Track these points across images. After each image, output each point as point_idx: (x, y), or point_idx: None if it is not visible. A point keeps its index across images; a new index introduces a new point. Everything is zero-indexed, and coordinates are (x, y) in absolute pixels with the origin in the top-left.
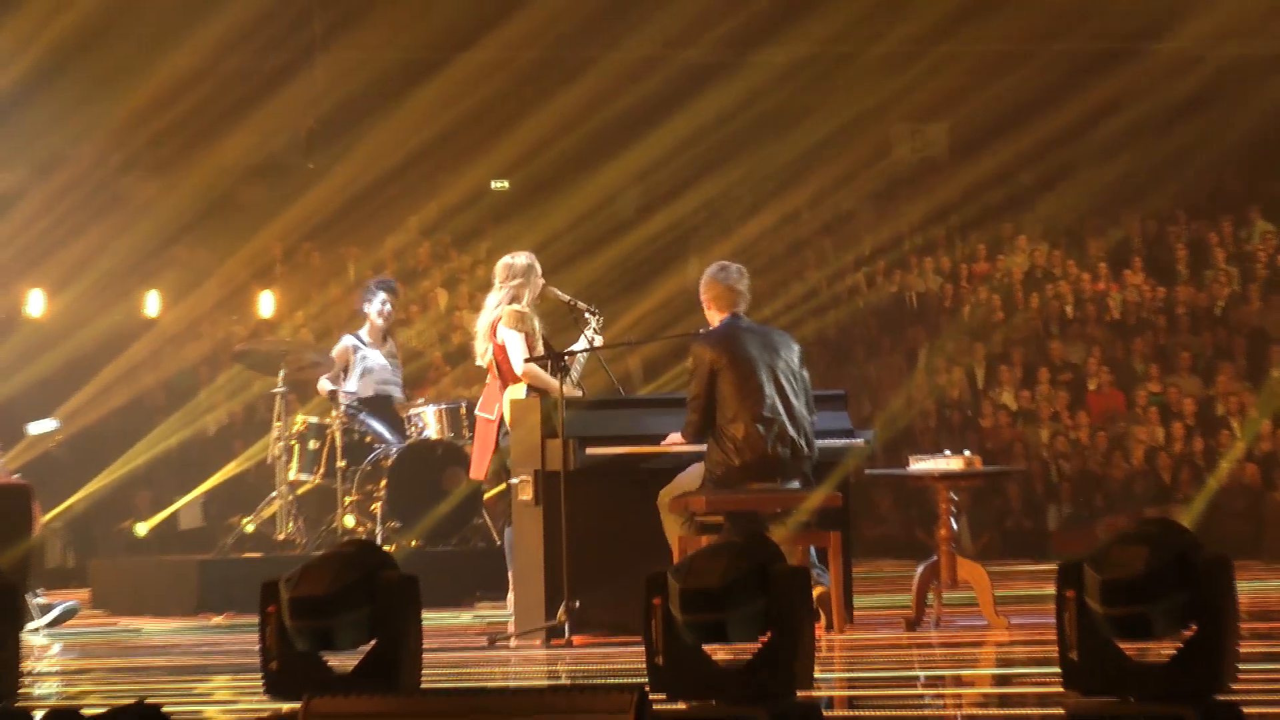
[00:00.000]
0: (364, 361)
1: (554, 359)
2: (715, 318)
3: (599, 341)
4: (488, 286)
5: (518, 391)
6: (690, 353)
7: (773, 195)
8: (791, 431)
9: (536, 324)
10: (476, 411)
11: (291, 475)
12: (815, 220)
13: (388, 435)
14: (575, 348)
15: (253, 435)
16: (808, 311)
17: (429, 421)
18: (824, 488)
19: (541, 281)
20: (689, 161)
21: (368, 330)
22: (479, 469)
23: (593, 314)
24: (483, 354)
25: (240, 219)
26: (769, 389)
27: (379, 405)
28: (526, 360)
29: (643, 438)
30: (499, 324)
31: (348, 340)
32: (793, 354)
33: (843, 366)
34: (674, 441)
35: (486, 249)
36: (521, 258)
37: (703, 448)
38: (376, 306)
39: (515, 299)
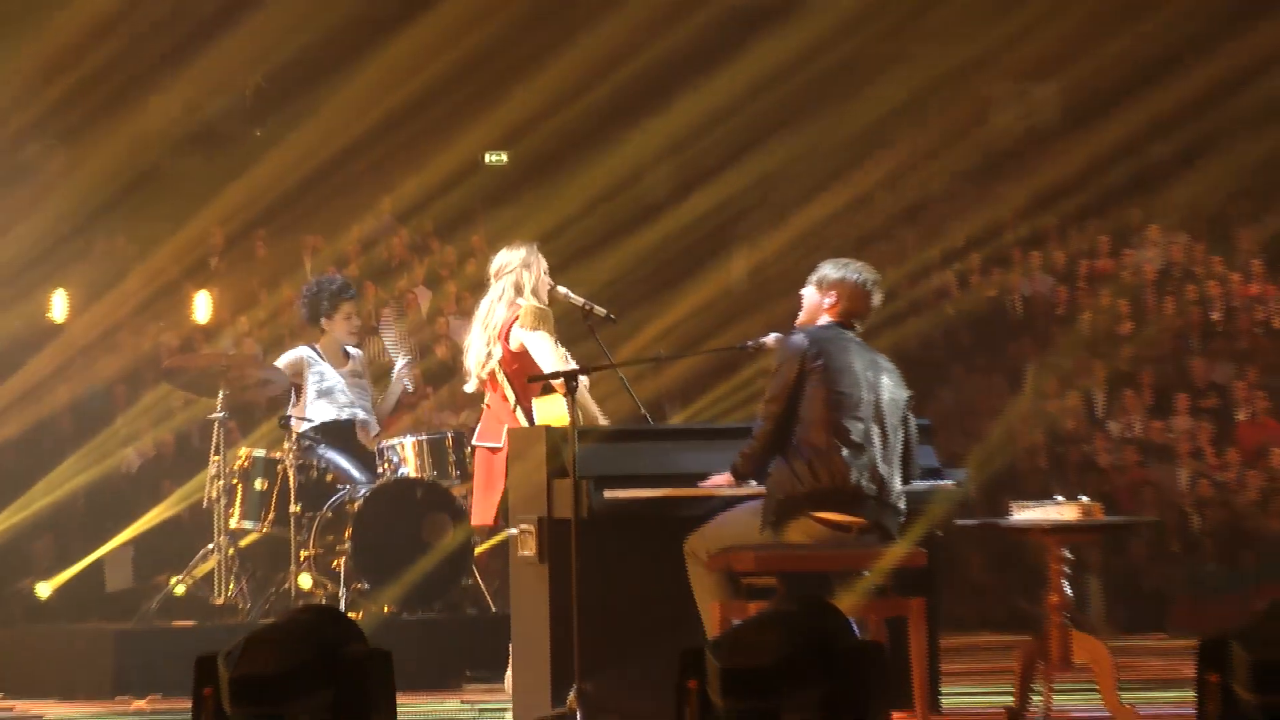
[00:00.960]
0: (319, 381)
1: (565, 377)
2: (825, 316)
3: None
4: (480, 287)
5: (549, 406)
6: (776, 347)
7: (840, 172)
8: (882, 468)
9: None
10: (476, 441)
11: (233, 523)
12: (893, 204)
13: (354, 473)
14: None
15: (184, 472)
16: (883, 320)
17: (406, 456)
18: (905, 541)
19: (547, 280)
20: (736, 129)
21: (323, 343)
22: (484, 513)
23: (611, 319)
24: (481, 365)
25: (170, 200)
26: (866, 410)
27: (342, 435)
28: (530, 379)
29: (676, 478)
30: (513, 325)
31: (302, 352)
32: (902, 390)
33: (928, 390)
34: (718, 482)
35: (478, 238)
36: (518, 246)
37: (755, 488)
38: (337, 316)
39: (516, 295)
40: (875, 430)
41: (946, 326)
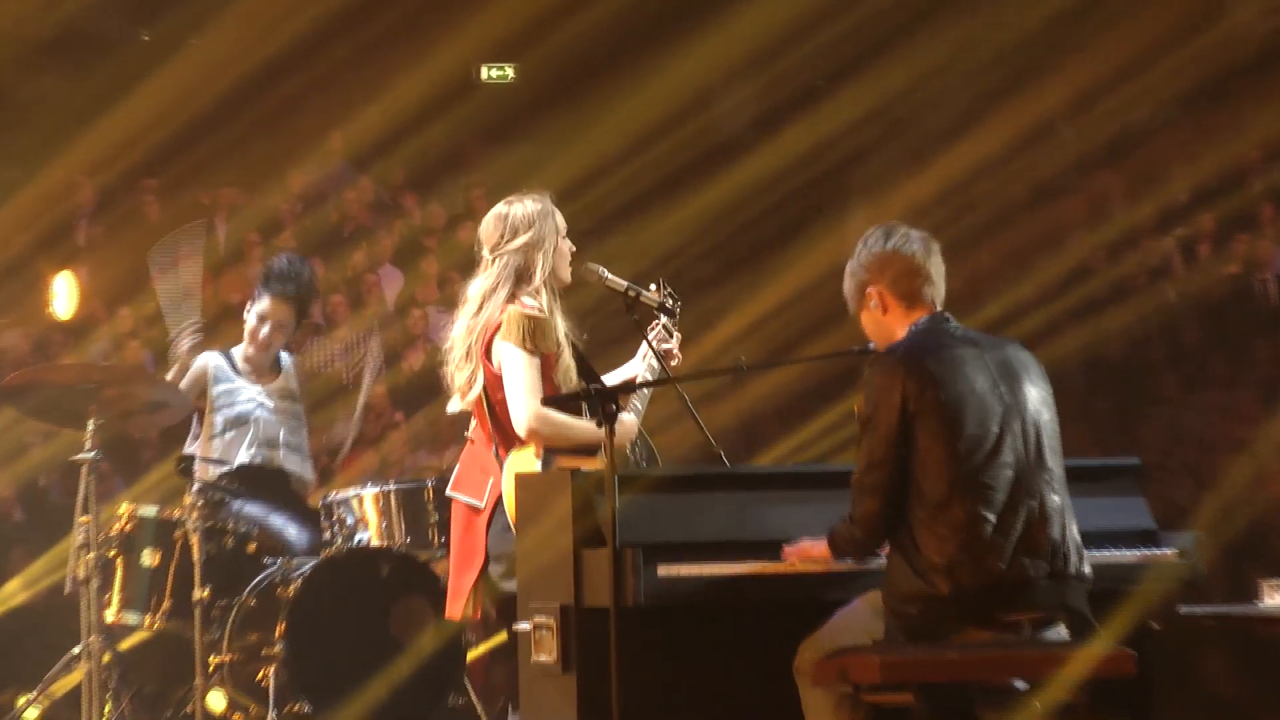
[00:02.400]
0: (228, 401)
1: (598, 399)
2: (898, 323)
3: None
4: (472, 265)
5: (527, 459)
6: (862, 385)
7: (1001, 94)
8: (1054, 531)
9: (563, 334)
10: (451, 491)
11: (110, 615)
12: (1082, 141)
13: (289, 539)
14: (626, 371)
15: (37, 541)
16: (1070, 308)
17: (365, 514)
18: (1102, 638)
19: (568, 246)
20: (846, 32)
21: (244, 350)
22: (460, 601)
23: (669, 310)
24: (465, 388)
25: (16, 138)
26: (1012, 450)
27: (270, 484)
28: (545, 400)
29: (758, 546)
30: (495, 332)
31: (206, 361)
32: (1045, 387)
33: (1135, 412)
34: (813, 554)
35: (475, 193)
36: (528, 203)
37: (874, 564)
38: (254, 311)
39: (521, 280)
40: (1034, 476)
41: (1164, 319)
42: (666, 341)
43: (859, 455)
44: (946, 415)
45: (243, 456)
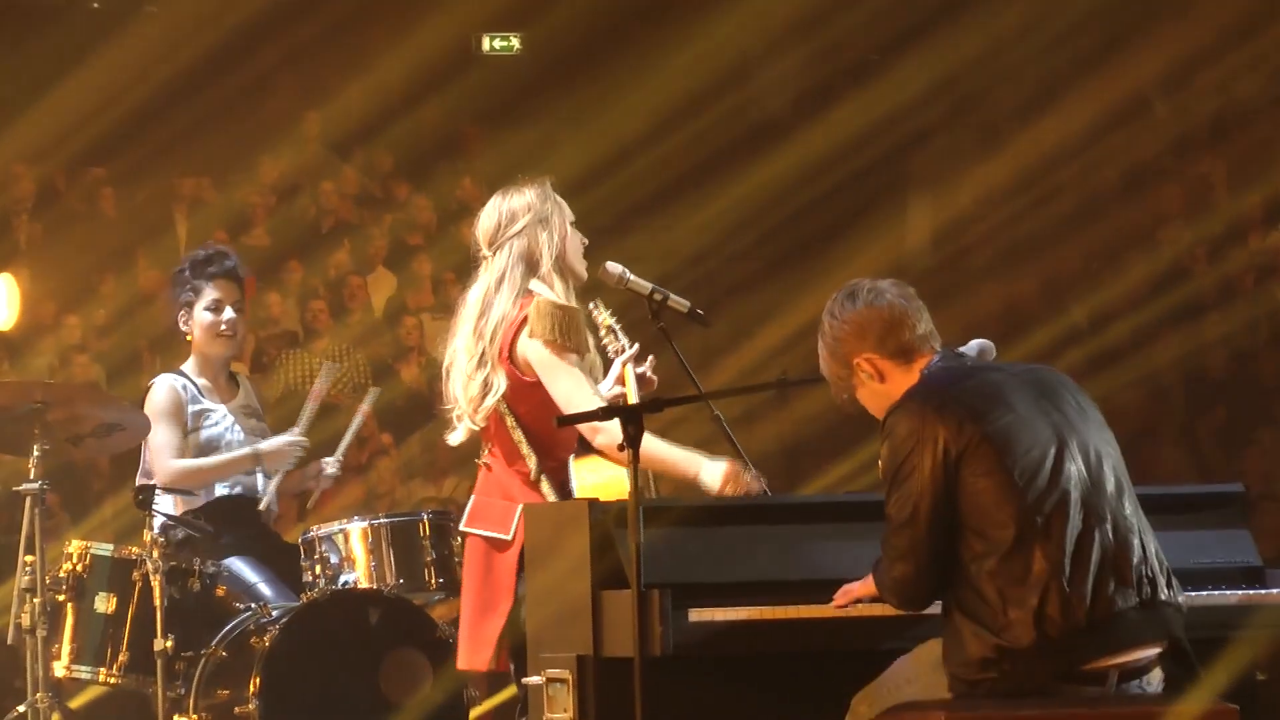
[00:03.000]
0: (210, 426)
1: (624, 419)
2: (902, 385)
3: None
4: (470, 265)
5: (598, 472)
6: (884, 434)
7: (1083, 67)
8: (1134, 554)
9: (589, 337)
10: (466, 527)
11: (59, 668)
12: (1179, 120)
13: (262, 586)
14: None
15: None
16: (1166, 314)
17: (352, 552)
18: (1200, 692)
19: (580, 238)
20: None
21: (195, 366)
22: (477, 648)
23: (702, 319)
24: (475, 402)
25: None
26: (1074, 471)
27: (242, 518)
28: (559, 420)
29: (802, 587)
30: (519, 332)
31: (172, 383)
32: (1088, 400)
33: (1240, 432)
34: (859, 592)
35: (470, 181)
36: (525, 190)
37: (929, 610)
38: (201, 306)
39: (530, 268)
40: (1093, 490)
41: (1274, 325)
42: (640, 365)
43: (886, 514)
44: (996, 447)
45: (220, 488)
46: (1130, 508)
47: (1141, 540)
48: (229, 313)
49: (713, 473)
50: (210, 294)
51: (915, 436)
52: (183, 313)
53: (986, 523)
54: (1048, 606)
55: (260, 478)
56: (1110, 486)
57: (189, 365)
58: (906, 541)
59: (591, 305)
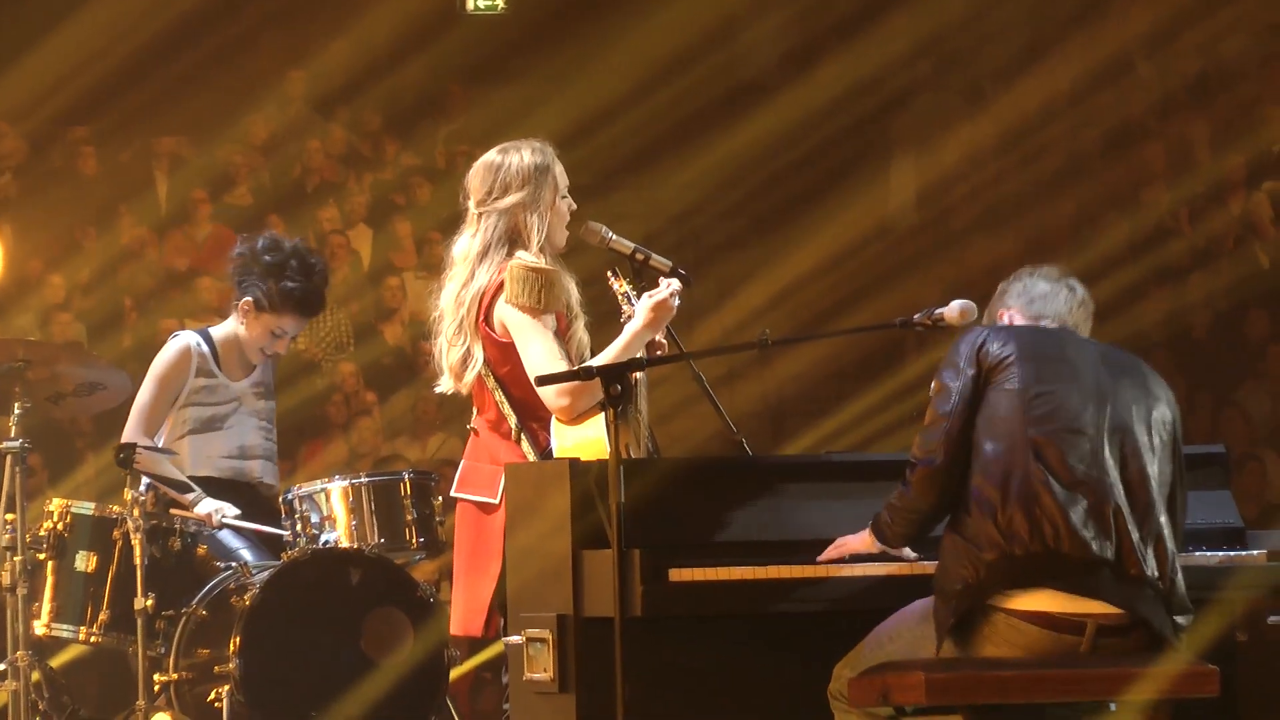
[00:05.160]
0: (207, 399)
1: (604, 377)
2: None
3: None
4: (456, 223)
5: (582, 431)
6: (948, 352)
7: (1068, 26)
8: (1131, 523)
9: (575, 300)
10: (456, 492)
11: (40, 627)
12: (1162, 80)
13: (240, 545)
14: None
15: None
16: (1149, 274)
17: (333, 511)
18: (1180, 652)
19: (567, 206)
20: None
21: (226, 334)
22: (469, 612)
23: (684, 278)
24: (460, 368)
25: None
26: (1094, 423)
27: (239, 497)
28: (538, 380)
29: (784, 548)
30: (493, 296)
31: (187, 340)
32: (1164, 408)
33: (1219, 397)
34: (852, 546)
35: (458, 140)
36: (525, 154)
37: (920, 567)
38: (269, 328)
39: (514, 245)
40: (1113, 460)
41: (1254, 287)
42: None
43: (925, 413)
44: (1025, 374)
45: (213, 468)
46: (1159, 487)
47: (1154, 521)
48: (283, 345)
49: (641, 309)
50: (284, 323)
51: (960, 348)
52: (245, 301)
53: (993, 448)
54: (1027, 532)
55: (260, 463)
56: (1145, 458)
57: (220, 329)
58: (935, 440)
59: (610, 274)
